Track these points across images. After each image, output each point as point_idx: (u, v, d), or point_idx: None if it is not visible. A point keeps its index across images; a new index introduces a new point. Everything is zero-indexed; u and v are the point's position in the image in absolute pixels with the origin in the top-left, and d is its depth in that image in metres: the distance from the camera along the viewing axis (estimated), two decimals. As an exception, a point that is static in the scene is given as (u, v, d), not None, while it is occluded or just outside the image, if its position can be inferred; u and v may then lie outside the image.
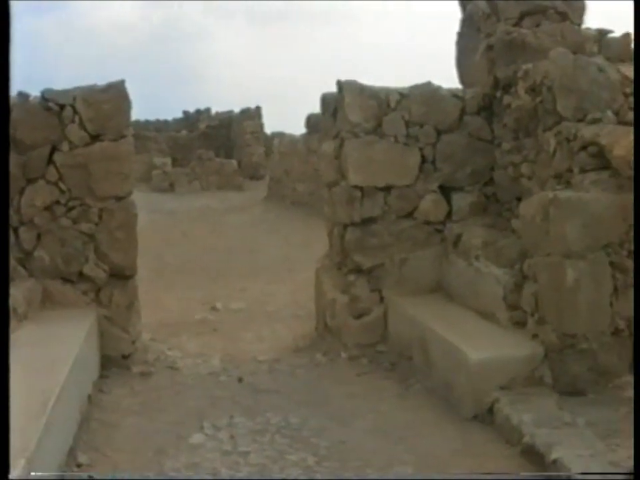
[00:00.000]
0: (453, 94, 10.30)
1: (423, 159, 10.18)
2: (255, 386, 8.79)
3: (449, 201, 10.27)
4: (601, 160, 7.80)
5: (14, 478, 4.47)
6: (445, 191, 10.26)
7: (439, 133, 10.21)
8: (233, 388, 8.79)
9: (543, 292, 7.84)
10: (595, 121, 8.12)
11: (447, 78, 11.27)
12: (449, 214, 10.25)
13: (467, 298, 9.38)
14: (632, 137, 7.50)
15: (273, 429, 7.39)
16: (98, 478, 6.17)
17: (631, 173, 7.49)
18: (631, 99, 8.23)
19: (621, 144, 7.57)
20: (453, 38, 11.38)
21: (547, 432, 6.50)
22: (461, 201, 10.25)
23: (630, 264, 7.53)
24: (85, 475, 6.29)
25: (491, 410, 7.32)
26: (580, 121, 8.23)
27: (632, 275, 7.55)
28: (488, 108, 10.23)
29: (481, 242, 9.38)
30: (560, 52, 8.56)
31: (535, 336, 7.89)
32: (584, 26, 9.99)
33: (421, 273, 10.13)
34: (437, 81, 10.40)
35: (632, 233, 7.49)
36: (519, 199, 9.11)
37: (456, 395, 7.79)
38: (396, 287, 10.03)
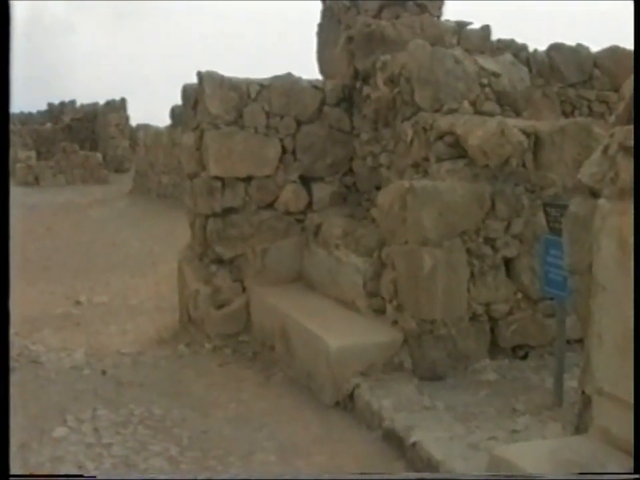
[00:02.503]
0: (313, 85, 10.35)
1: (283, 150, 10.22)
2: (119, 378, 8.70)
3: (309, 192, 10.32)
4: (457, 149, 7.94)
5: (14, 474, 4.31)
6: (305, 181, 10.31)
7: (299, 123, 10.25)
8: (96, 381, 8.67)
9: (401, 279, 7.94)
10: (451, 111, 8.28)
11: (308, 69, 11.32)
12: (309, 204, 10.31)
13: (327, 287, 9.46)
14: (487, 127, 7.67)
15: (136, 420, 7.32)
16: (99, 478, 6.03)
17: (486, 161, 7.65)
18: (487, 90, 8.41)
19: (476, 134, 7.72)
20: (314, 30, 11.44)
21: (407, 416, 6.60)
22: (321, 191, 10.33)
23: (487, 251, 7.71)
24: (85, 475, 6.15)
25: (351, 396, 7.39)
26: (437, 111, 8.37)
27: (488, 261, 7.73)
28: (347, 99, 10.33)
29: (340, 231, 9.46)
30: (417, 44, 8.68)
31: (394, 323, 8.00)
32: (443, 18, 10.16)
33: (282, 263, 10.18)
34: (297, 72, 10.46)
35: (488, 221, 7.67)
36: (378, 189, 9.21)
37: (317, 383, 7.83)
38: (257, 277, 10.05)
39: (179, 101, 11.58)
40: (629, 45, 10.40)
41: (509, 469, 4.42)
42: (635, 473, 3.72)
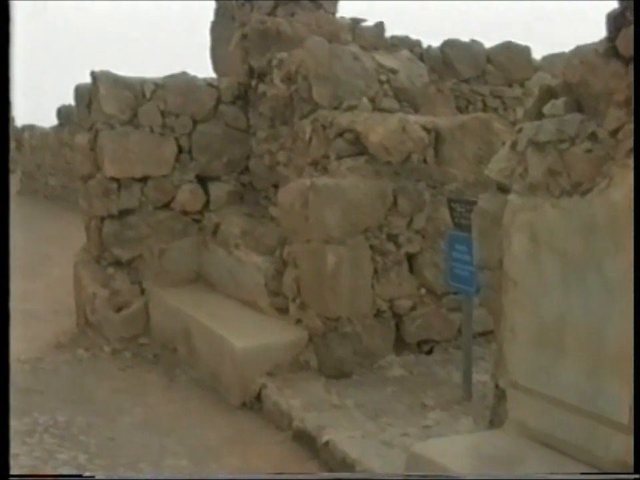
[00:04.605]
0: (209, 83, 10.25)
1: (179, 149, 10.09)
2: (19, 386, 8.42)
3: (206, 191, 10.21)
4: (358, 146, 7.94)
5: (14, 474, 4.12)
6: (202, 180, 10.20)
7: (194, 122, 10.14)
8: (-4, 390, 8.41)
9: (304, 278, 7.91)
10: (351, 108, 8.28)
11: (202, 67, 11.21)
12: (207, 204, 10.19)
13: (228, 287, 9.38)
14: (388, 123, 7.69)
15: (40, 428, 7.07)
16: (98, 478, 5.81)
17: (388, 158, 7.68)
18: (386, 86, 8.44)
19: (377, 130, 7.74)
20: (207, 28, 11.34)
21: (317, 415, 6.58)
22: (218, 190, 10.23)
23: (390, 247, 7.74)
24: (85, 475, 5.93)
25: (259, 397, 7.33)
26: (336, 108, 8.36)
27: (391, 257, 7.75)
28: (243, 97, 10.25)
29: (239, 231, 9.40)
30: (315, 41, 8.66)
31: (298, 321, 7.96)
32: (338, 15, 10.14)
33: (180, 264, 10.05)
34: (192, 71, 10.34)
35: (391, 217, 7.69)
36: (276, 187, 9.18)
37: (223, 384, 7.76)
38: (156, 279, 9.90)
39: (64, 100, 11.36)
40: (520, 41, 10.61)
41: (429, 466, 4.42)
42: (635, 472, 3.75)
